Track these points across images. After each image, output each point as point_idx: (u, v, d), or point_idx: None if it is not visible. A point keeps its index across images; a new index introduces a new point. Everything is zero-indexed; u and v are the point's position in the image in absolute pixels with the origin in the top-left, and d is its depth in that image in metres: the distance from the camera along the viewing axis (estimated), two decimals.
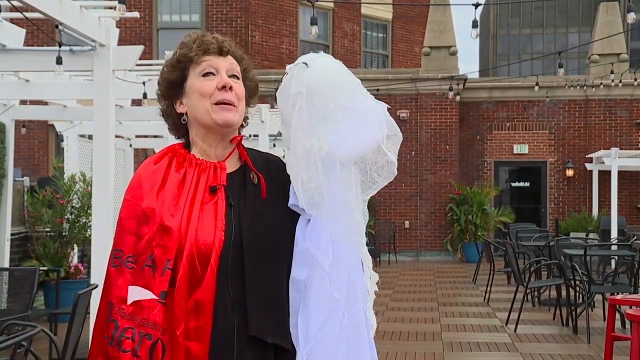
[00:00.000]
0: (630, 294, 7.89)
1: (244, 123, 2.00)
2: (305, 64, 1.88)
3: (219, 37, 1.94)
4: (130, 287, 1.79)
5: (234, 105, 1.90)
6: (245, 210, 1.89)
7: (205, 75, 1.91)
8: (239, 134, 2.00)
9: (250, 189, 1.92)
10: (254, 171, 1.93)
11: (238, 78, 1.94)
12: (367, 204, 1.97)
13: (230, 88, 1.89)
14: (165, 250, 1.80)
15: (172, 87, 1.96)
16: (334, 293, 1.81)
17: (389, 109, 1.94)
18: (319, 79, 1.86)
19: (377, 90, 16.62)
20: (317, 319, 1.82)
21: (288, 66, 1.93)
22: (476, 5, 8.69)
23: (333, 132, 1.85)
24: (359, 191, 1.91)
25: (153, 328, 1.76)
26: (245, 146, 2.00)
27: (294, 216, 1.91)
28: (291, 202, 1.90)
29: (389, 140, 1.91)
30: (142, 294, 1.78)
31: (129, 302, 1.78)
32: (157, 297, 1.77)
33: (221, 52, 1.92)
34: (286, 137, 1.92)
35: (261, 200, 1.91)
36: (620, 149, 16.90)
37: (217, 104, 1.89)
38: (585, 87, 17.73)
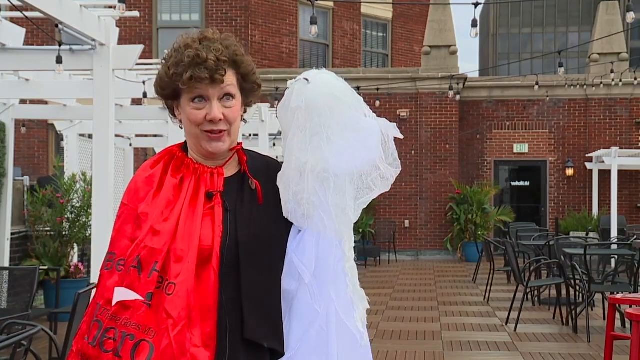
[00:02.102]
0: (630, 293, 7.89)
1: (242, 123, 1.99)
2: (307, 79, 1.90)
3: (212, 60, 1.82)
4: (116, 289, 1.78)
5: (224, 131, 1.87)
6: (242, 215, 1.89)
7: (195, 100, 1.86)
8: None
9: (247, 194, 1.92)
10: (252, 179, 1.93)
11: (232, 97, 1.89)
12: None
13: (220, 120, 1.85)
14: (152, 252, 1.79)
15: (167, 97, 1.94)
16: (315, 305, 1.82)
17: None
18: (319, 94, 1.87)
19: (377, 89, 16.62)
20: (298, 330, 1.83)
21: (289, 81, 1.94)
22: (476, 5, 8.68)
23: (329, 147, 1.86)
24: (350, 207, 1.90)
25: (136, 328, 1.74)
26: (246, 148, 1.99)
27: (290, 222, 1.92)
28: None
29: (387, 168, 1.92)
30: (127, 294, 1.77)
31: (114, 302, 1.77)
32: (142, 298, 1.76)
33: (214, 81, 1.84)
34: (284, 149, 1.94)
35: (258, 206, 1.91)
36: (620, 148, 16.90)
37: (206, 132, 1.87)
38: (585, 87, 17.73)
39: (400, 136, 1.98)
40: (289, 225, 1.91)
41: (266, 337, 1.84)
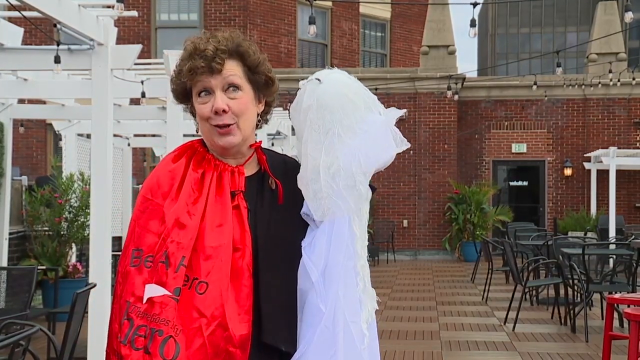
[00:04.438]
0: (628, 292, 7.90)
1: (260, 121, 1.96)
2: (319, 79, 1.89)
3: (211, 50, 1.82)
4: (146, 286, 1.75)
5: (232, 125, 1.84)
6: (262, 216, 1.88)
7: (201, 94, 1.86)
8: (257, 128, 1.97)
9: (267, 194, 1.91)
10: (273, 178, 1.92)
11: (238, 88, 1.86)
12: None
13: (224, 110, 1.83)
14: (179, 247, 1.76)
15: (183, 97, 1.93)
16: (320, 304, 1.81)
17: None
18: (331, 93, 1.87)
19: (376, 89, 16.61)
20: (307, 330, 1.82)
21: (301, 82, 1.93)
22: (474, 4, 8.69)
23: (340, 146, 1.86)
24: (365, 205, 1.90)
25: (165, 324, 1.71)
26: (264, 148, 1.98)
27: (307, 223, 1.91)
28: (303, 210, 1.90)
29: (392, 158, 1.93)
30: (156, 290, 1.74)
31: (144, 300, 1.74)
32: (170, 293, 1.73)
33: (212, 71, 1.83)
34: (299, 150, 1.93)
35: (277, 206, 1.90)
36: (619, 148, 16.91)
37: (215, 126, 1.85)
38: (583, 86, 17.73)
39: (403, 112, 1.97)
40: (306, 226, 1.90)
41: (283, 341, 1.83)
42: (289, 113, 1.98)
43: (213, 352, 1.72)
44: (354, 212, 1.87)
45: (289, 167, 1.95)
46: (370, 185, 1.93)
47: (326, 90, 1.88)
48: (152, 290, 1.74)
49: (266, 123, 2.01)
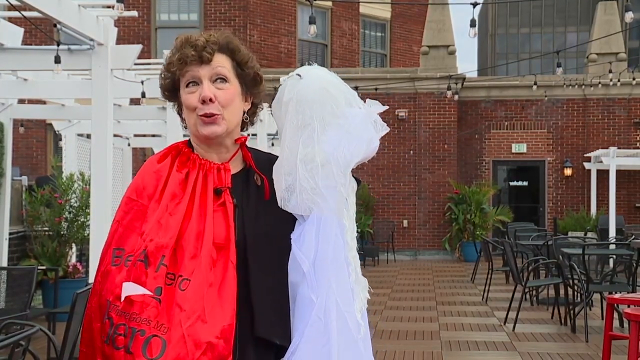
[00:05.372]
0: (628, 292, 7.90)
1: (246, 119, 1.99)
2: (299, 75, 1.92)
3: (202, 41, 1.87)
4: (124, 284, 1.75)
5: (217, 115, 1.87)
6: (248, 212, 1.89)
7: (189, 85, 1.88)
8: (243, 130, 2.00)
9: (253, 190, 1.93)
10: (258, 173, 1.94)
11: (225, 80, 1.89)
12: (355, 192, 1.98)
13: (211, 100, 1.86)
14: (158, 246, 1.77)
15: (171, 93, 1.95)
16: (311, 295, 1.82)
17: (386, 110, 1.96)
18: (310, 88, 1.90)
19: (376, 89, 16.62)
20: (300, 323, 1.83)
21: (282, 78, 1.96)
22: (474, 4, 8.69)
23: (318, 139, 1.87)
24: (351, 197, 1.92)
25: (146, 324, 1.71)
26: (248, 146, 2.00)
27: (294, 217, 1.92)
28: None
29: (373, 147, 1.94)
30: (135, 289, 1.74)
31: (122, 298, 1.74)
32: (151, 293, 1.73)
33: (202, 60, 1.86)
34: (280, 144, 1.95)
35: (264, 202, 1.92)
36: (619, 148, 16.91)
37: (201, 116, 1.87)
38: (583, 86, 17.73)
39: (384, 108, 1.99)
40: (294, 221, 1.92)
41: (277, 335, 1.85)
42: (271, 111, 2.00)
43: (193, 344, 1.72)
44: (334, 212, 1.88)
45: (273, 164, 1.96)
46: (354, 177, 1.95)
47: (306, 85, 1.90)
48: (130, 289, 1.75)
49: (252, 125, 2.03)
